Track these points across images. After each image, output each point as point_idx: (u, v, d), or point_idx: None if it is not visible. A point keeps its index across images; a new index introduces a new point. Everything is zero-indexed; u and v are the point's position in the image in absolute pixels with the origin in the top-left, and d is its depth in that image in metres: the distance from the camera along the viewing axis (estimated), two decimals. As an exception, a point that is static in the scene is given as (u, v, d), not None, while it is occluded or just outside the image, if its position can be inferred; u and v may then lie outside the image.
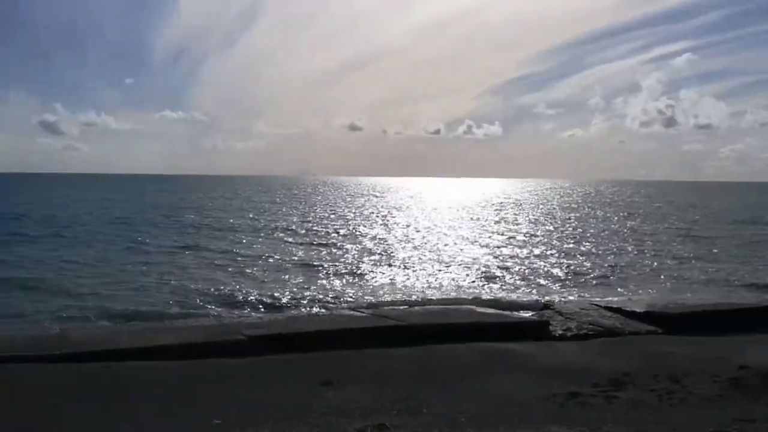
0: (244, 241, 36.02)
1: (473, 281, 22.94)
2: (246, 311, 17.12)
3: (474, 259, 29.37)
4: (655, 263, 27.75)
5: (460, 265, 27.27)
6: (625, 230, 46.74)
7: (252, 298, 18.95)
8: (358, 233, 42.01)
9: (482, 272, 24.98)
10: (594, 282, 22.81)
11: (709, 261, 28.76)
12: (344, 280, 22.77)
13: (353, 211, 71.14)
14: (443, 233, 43.61)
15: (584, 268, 25.82)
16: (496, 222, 55.62)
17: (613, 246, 34.77)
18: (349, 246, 33.90)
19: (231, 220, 50.99)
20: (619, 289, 20.95)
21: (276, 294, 19.51)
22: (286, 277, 23.26)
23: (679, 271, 25.62)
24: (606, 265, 27.06)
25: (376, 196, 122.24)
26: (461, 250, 33.37)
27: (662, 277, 23.95)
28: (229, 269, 25.07)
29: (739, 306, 14.74)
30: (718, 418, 7.26)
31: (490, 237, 40.79)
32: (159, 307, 17.31)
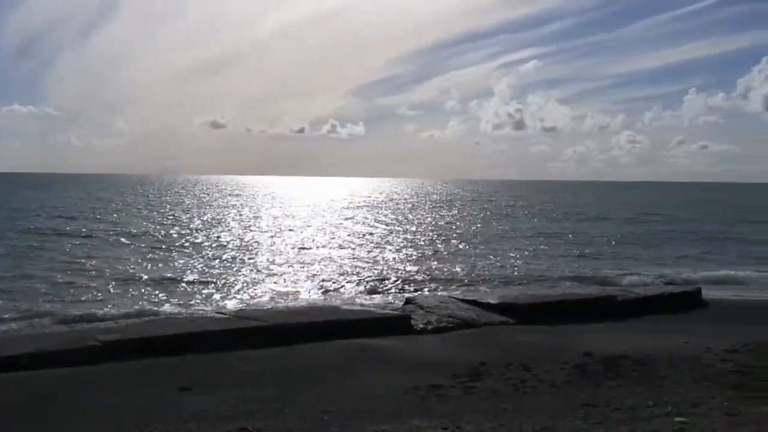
0: (81, 245, 33.53)
1: (335, 280, 23.04)
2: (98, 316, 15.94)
3: (334, 258, 29.52)
4: (510, 259, 29.25)
5: (321, 264, 27.31)
6: (477, 226, 49.05)
7: (104, 307, 17.67)
8: (215, 234, 40.86)
9: (344, 271, 25.17)
10: (452, 277, 23.64)
11: (553, 257, 30.70)
12: (202, 283, 22.02)
13: (211, 210, 69.07)
14: (303, 232, 43.48)
15: (444, 265, 26.70)
16: (357, 221, 56.29)
17: (468, 245, 36.24)
18: (205, 247, 32.87)
19: (69, 225, 46.71)
20: (477, 283, 21.93)
21: (126, 301, 18.47)
22: (138, 282, 22.07)
23: (530, 266, 27.17)
24: (464, 261, 28.17)
25: (237, 195, 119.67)
26: (322, 249, 33.43)
27: (515, 273, 25.25)
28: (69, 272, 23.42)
29: (582, 297, 15.87)
30: (567, 404, 7.76)
31: (350, 236, 41.23)
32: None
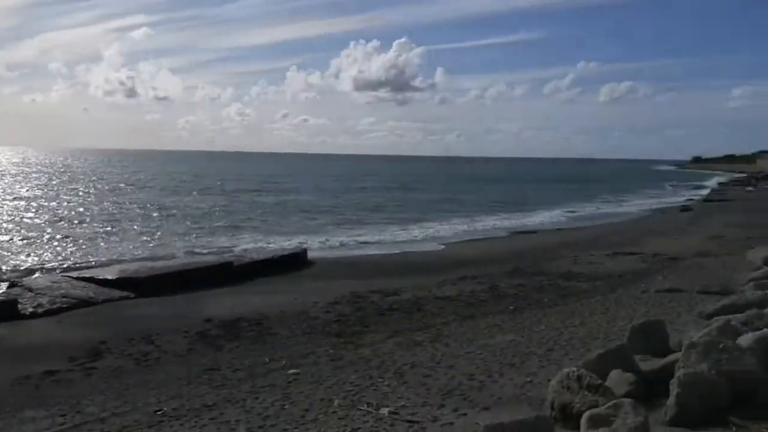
0: None
1: None
2: None
3: None
4: (131, 236, 28.07)
5: None
6: (90, 202, 45.75)
7: None
8: None
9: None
10: (67, 258, 21.79)
11: (175, 232, 30.46)
12: None
13: None
14: None
15: (59, 246, 24.39)
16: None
17: (83, 223, 33.66)
18: None
19: None
20: (96, 263, 20.58)
21: None
22: None
23: (151, 241, 26.50)
24: (81, 241, 26.13)
25: None
26: None
27: (137, 250, 24.35)
28: None
29: (201, 265, 16.33)
30: (191, 371, 8.11)
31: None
32: None
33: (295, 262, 17.85)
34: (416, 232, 27.41)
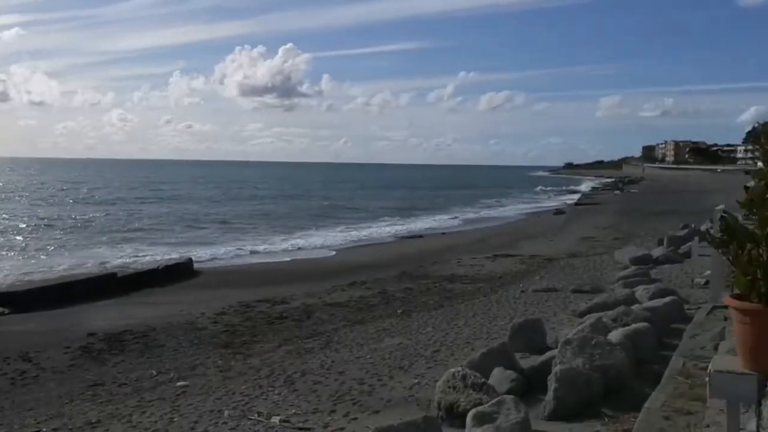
0: None
1: None
2: None
3: None
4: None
5: None
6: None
7: None
8: None
9: None
10: None
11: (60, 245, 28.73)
12: None
13: None
14: None
15: None
16: None
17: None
18: None
19: None
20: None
21: None
22: None
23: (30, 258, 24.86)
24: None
25: None
26: None
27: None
28: None
29: (82, 277, 15.58)
30: (74, 388, 7.76)
31: None
32: None
33: (181, 272, 17.40)
34: (305, 239, 27.35)
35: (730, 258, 2.77)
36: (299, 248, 24.58)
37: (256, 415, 7.34)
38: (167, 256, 21.36)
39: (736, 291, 2.75)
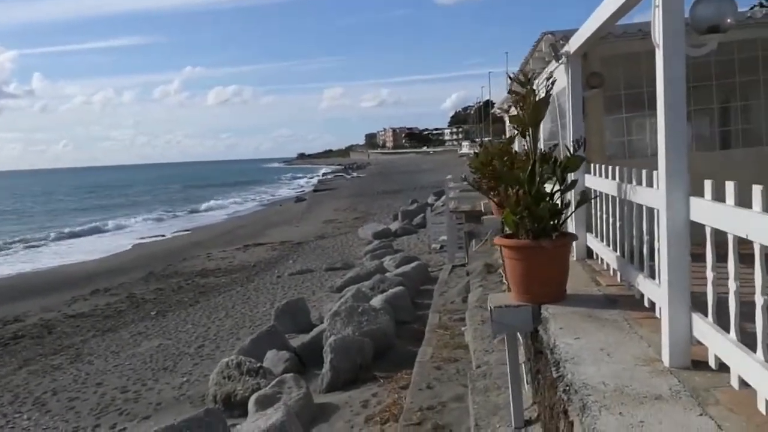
0: None
1: None
2: None
3: None
4: None
5: None
6: None
7: None
8: None
9: None
10: None
11: None
12: None
13: None
14: None
15: None
16: None
17: None
18: None
19: None
20: None
21: None
22: None
23: None
24: None
25: None
26: None
27: None
28: None
29: None
30: None
31: None
32: None
33: None
34: (24, 252, 24.27)
35: (496, 201, 3.06)
36: (19, 261, 21.66)
37: (-1, 449, 6.41)
38: None
39: (507, 232, 3.03)
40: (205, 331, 9.84)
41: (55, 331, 10.56)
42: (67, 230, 30.06)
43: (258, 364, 6.61)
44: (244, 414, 5.91)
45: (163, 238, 25.63)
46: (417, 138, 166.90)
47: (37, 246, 25.70)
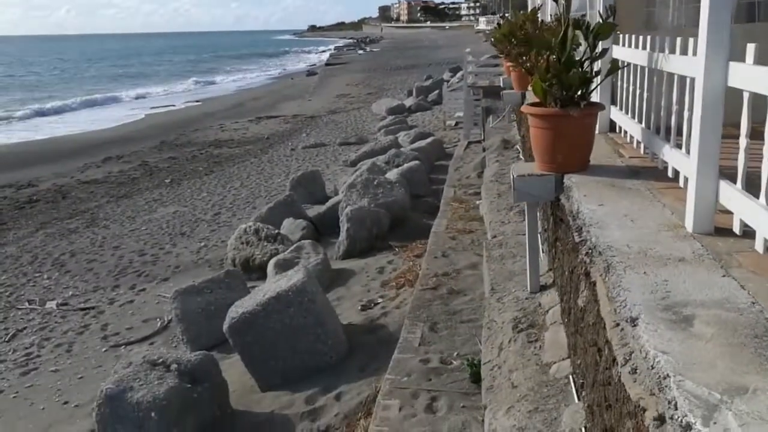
0: None
1: None
2: None
3: None
4: None
5: None
6: None
7: None
8: None
9: None
10: None
11: None
12: None
13: None
14: None
15: None
16: None
17: None
18: None
19: None
20: None
21: None
22: None
23: None
24: None
25: None
26: None
27: None
28: None
29: None
30: None
31: None
32: None
33: None
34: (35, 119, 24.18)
35: (526, 67, 2.98)
36: (22, 129, 21.53)
37: (26, 303, 6.70)
38: None
39: (533, 100, 2.98)
40: (221, 200, 9.98)
41: (70, 196, 10.76)
42: (77, 100, 29.71)
43: (276, 231, 6.76)
44: (263, 277, 6.11)
45: (174, 108, 25.43)
46: (432, 12, 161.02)
47: (48, 115, 25.55)
